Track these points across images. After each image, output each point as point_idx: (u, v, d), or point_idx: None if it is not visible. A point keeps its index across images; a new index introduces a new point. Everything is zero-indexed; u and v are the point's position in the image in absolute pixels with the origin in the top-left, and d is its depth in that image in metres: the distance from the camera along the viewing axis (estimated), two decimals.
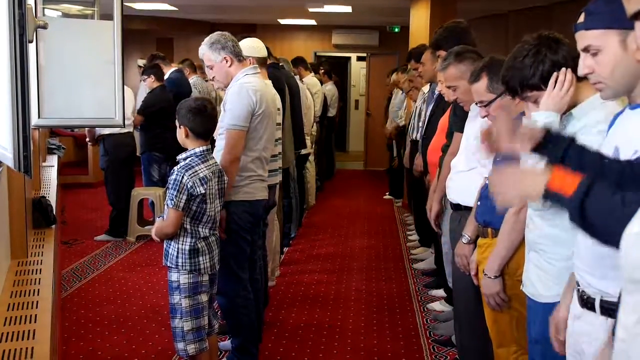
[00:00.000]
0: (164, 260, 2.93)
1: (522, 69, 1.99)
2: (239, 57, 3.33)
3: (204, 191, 2.84)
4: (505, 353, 2.51)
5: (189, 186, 2.80)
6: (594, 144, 1.77)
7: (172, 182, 2.82)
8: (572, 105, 1.98)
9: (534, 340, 2.08)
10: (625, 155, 1.53)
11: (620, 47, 1.56)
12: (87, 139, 6.53)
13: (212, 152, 3.03)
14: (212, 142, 3.20)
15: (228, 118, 3.22)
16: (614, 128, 1.67)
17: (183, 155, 2.93)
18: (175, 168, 2.87)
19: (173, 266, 2.88)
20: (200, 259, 2.88)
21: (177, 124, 2.96)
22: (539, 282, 2.07)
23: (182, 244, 2.87)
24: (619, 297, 1.23)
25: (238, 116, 3.20)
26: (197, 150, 2.91)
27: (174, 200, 2.79)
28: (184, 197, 2.81)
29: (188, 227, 2.87)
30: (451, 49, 3.09)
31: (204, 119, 2.92)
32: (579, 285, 1.76)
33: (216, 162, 3.01)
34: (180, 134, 2.94)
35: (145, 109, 6.10)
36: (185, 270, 2.86)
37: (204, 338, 2.93)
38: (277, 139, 4.02)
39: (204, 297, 2.92)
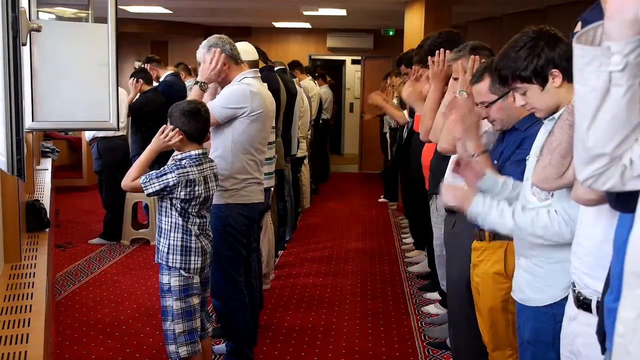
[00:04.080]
0: (156, 257, 2.93)
1: (516, 59, 1.99)
2: (236, 60, 3.33)
3: (184, 197, 2.82)
4: (500, 356, 2.52)
5: (170, 184, 2.79)
6: None
7: (161, 170, 2.82)
8: (557, 107, 1.99)
9: (526, 342, 2.10)
10: None
11: None
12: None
13: (208, 156, 3.01)
14: None
15: (211, 105, 3.16)
16: None
17: (179, 155, 2.91)
18: (170, 162, 2.87)
19: (164, 263, 2.87)
20: (192, 258, 2.88)
21: (170, 127, 2.94)
22: (527, 287, 2.08)
23: (174, 240, 2.86)
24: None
25: (220, 110, 3.17)
26: (193, 153, 2.90)
27: (148, 182, 2.80)
28: (157, 187, 2.80)
29: (180, 222, 2.87)
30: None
31: (198, 122, 2.90)
32: (575, 287, 1.77)
33: (212, 166, 3.00)
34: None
35: (136, 109, 6.10)
36: (175, 267, 2.85)
37: (196, 341, 2.93)
38: (271, 142, 4.02)
39: (195, 300, 2.92)
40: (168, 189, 2.80)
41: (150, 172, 2.83)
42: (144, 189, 2.82)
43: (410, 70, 4.67)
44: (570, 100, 1.96)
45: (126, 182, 2.92)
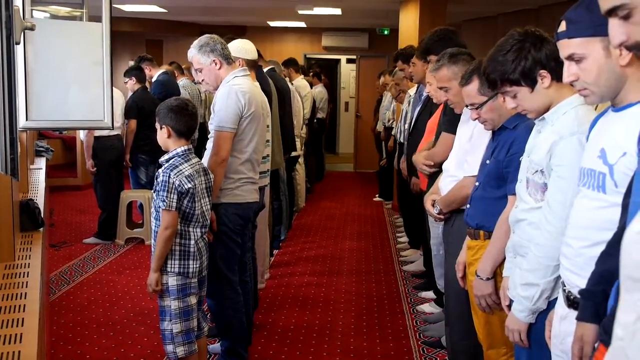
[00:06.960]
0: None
1: (504, 63, 2.01)
2: (228, 59, 3.33)
3: (191, 185, 2.83)
4: (495, 355, 2.52)
5: (176, 184, 2.80)
6: (576, 154, 1.80)
7: (160, 184, 2.81)
8: (548, 107, 2.00)
9: None
10: (613, 156, 1.55)
11: (604, 54, 1.59)
12: (88, 164, 6.11)
13: (193, 152, 3.01)
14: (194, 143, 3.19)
15: (216, 120, 3.22)
16: (597, 130, 1.69)
17: (165, 156, 2.91)
18: (160, 170, 2.86)
19: (162, 268, 2.87)
20: (190, 262, 2.88)
21: (157, 125, 2.95)
22: None
23: (172, 245, 2.86)
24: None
25: (225, 118, 3.20)
26: (179, 150, 2.90)
27: (166, 201, 2.79)
28: (175, 197, 2.80)
29: (179, 227, 2.86)
30: (445, 50, 3.10)
31: (186, 118, 2.92)
32: (565, 286, 1.77)
33: (199, 161, 3.00)
34: (162, 135, 2.93)
35: (130, 111, 6.11)
36: (173, 272, 2.86)
37: (193, 340, 2.93)
38: (266, 141, 4.02)
39: (192, 300, 2.92)
40: (182, 189, 2.80)
41: (159, 194, 2.80)
42: (169, 208, 2.78)
43: (407, 66, 4.70)
44: (560, 100, 1.97)
45: (165, 237, 2.82)
